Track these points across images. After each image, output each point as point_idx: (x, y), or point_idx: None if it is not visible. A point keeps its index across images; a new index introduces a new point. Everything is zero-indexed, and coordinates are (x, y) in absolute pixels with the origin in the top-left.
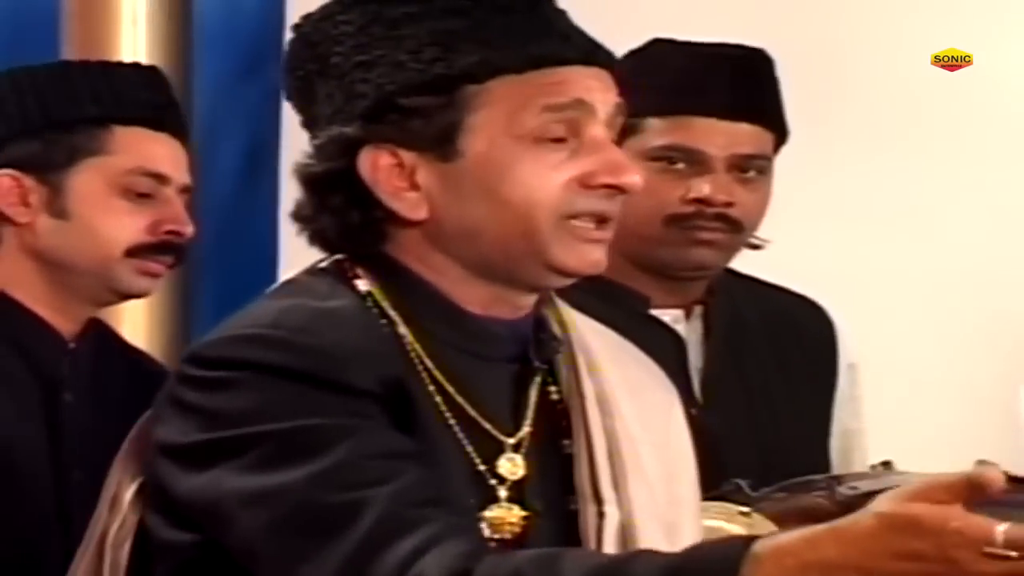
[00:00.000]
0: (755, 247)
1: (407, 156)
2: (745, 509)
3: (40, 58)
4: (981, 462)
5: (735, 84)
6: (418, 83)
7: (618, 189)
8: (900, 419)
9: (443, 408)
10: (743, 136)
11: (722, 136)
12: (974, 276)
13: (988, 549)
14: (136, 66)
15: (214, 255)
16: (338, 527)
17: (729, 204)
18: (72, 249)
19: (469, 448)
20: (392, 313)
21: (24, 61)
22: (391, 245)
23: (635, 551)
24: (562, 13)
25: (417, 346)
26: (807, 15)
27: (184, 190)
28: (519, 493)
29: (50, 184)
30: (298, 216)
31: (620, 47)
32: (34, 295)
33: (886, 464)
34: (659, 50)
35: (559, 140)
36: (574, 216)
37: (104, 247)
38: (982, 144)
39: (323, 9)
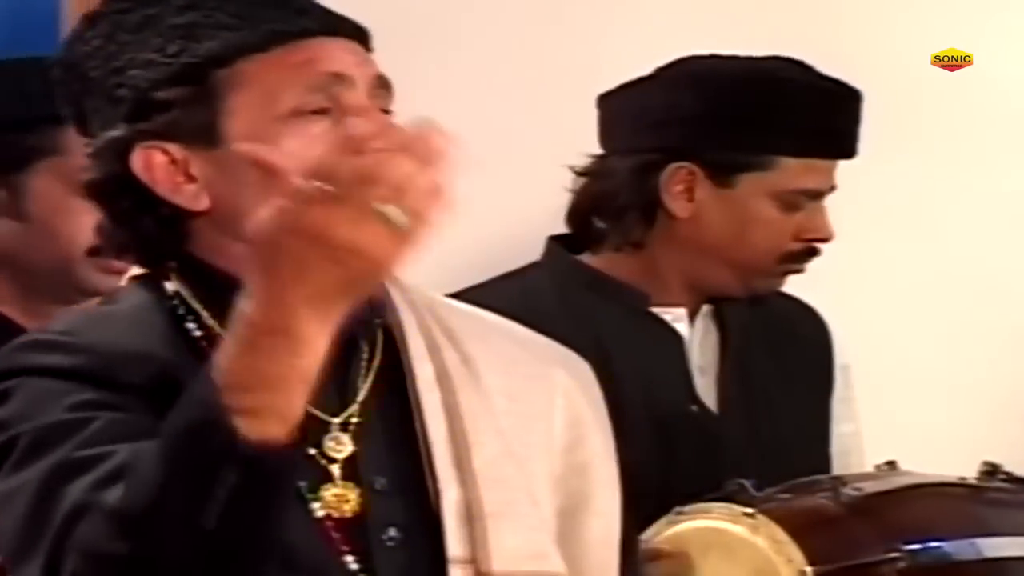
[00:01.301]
0: None
1: (176, 150)
2: (749, 510)
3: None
4: (986, 463)
5: (855, 125)
6: (169, 76)
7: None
8: (906, 419)
9: None
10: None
11: (833, 173)
12: (975, 276)
13: (300, 183)
14: None
15: None
16: (46, 519)
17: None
18: (33, 251)
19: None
20: (200, 309)
21: None
22: (192, 243)
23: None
24: None
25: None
26: (806, 15)
27: None
28: (354, 471)
29: (8, 186)
30: (99, 234)
31: (625, 53)
32: (1, 297)
33: (890, 464)
34: (780, 83)
35: (321, 111)
36: None
37: (65, 248)
38: (982, 144)
39: (73, 31)
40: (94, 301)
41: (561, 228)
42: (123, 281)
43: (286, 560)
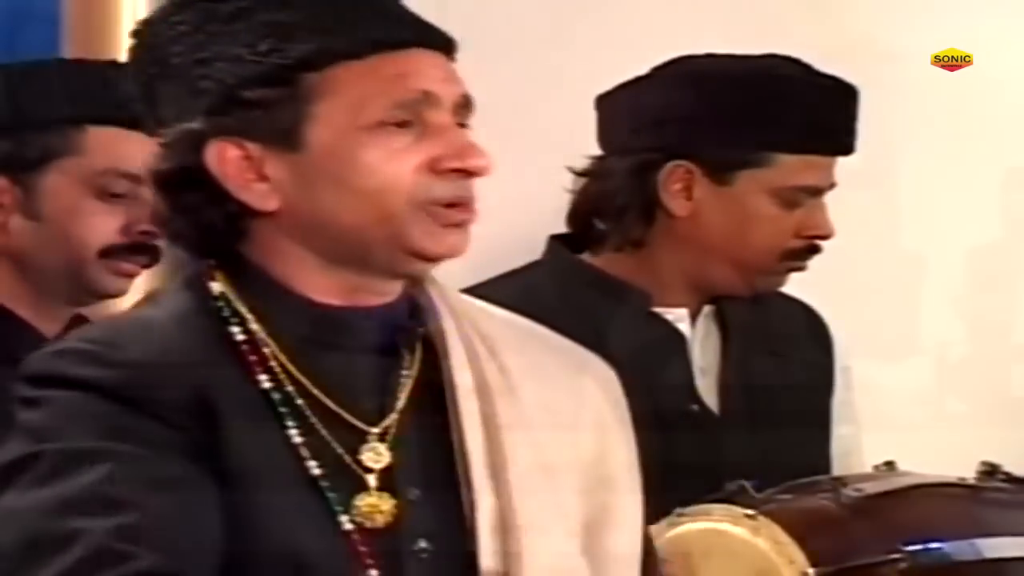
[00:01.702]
0: None
1: (253, 148)
2: (751, 511)
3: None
4: (985, 463)
5: (852, 121)
6: (257, 75)
7: (466, 173)
8: (906, 419)
9: (300, 403)
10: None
11: (832, 170)
12: (975, 276)
13: None
14: (111, 64)
15: None
16: (50, 555)
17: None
18: (45, 250)
19: (332, 440)
20: (245, 313)
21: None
22: (248, 243)
23: None
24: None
25: (271, 343)
26: (806, 15)
27: None
28: (390, 481)
29: (23, 184)
30: (155, 219)
31: (625, 53)
32: (11, 295)
33: (889, 465)
34: (776, 80)
35: (403, 124)
36: (432, 202)
37: (77, 249)
38: (982, 144)
39: (158, 12)
40: (136, 303)
41: (563, 229)
42: (133, 285)
43: None
